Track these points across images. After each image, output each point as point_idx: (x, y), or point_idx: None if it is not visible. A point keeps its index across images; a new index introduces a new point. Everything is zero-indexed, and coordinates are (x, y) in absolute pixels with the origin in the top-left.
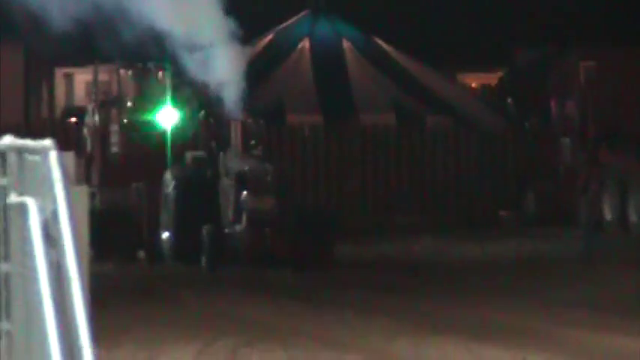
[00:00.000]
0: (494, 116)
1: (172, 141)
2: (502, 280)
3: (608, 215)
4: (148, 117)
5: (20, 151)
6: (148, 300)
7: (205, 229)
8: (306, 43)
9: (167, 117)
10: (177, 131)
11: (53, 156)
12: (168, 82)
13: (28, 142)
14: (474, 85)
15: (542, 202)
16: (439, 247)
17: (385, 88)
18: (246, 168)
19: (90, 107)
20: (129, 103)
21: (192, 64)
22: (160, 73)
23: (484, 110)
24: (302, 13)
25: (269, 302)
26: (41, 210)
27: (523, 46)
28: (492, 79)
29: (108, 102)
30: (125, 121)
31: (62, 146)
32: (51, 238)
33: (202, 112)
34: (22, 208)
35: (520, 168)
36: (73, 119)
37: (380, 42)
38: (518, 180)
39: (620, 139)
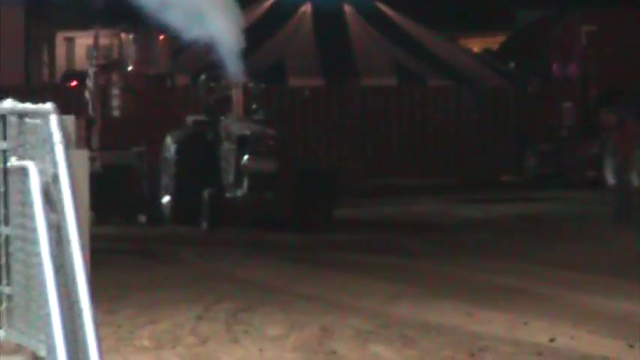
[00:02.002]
0: (496, 79)
1: (173, 104)
2: (503, 242)
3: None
4: (149, 80)
5: (21, 115)
6: (148, 263)
7: (206, 193)
8: (307, 7)
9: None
10: (179, 95)
11: (54, 119)
12: (169, 46)
13: (29, 106)
14: (475, 48)
15: (544, 165)
16: (440, 209)
17: (386, 50)
18: (248, 132)
19: (91, 71)
20: (130, 67)
21: (192, 29)
22: (162, 37)
23: (486, 73)
24: None
25: (269, 265)
26: (42, 173)
27: (524, 8)
28: (494, 42)
29: (109, 65)
30: (126, 84)
31: (63, 110)
32: (51, 201)
33: (203, 76)
34: (23, 172)
35: (522, 130)
36: (74, 83)
37: (381, 5)
38: (520, 142)
39: (623, 101)
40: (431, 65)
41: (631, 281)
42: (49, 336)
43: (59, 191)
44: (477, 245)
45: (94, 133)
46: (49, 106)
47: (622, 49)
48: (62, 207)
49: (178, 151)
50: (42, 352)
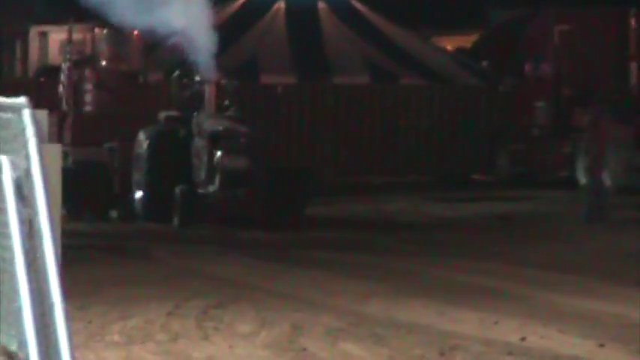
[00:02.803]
0: (468, 77)
1: (146, 100)
2: (475, 241)
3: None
4: (122, 76)
5: None
6: (119, 259)
7: (178, 189)
8: (281, 4)
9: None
10: (151, 90)
11: (27, 114)
12: (142, 42)
13: (2, 100)
14: (449, 47)
15: (515, 164)
16: (412, 208)
17: (360, 48)
18: (220, 128)
19: (64, 66)
20: (103, 62)
21: (164, 24)
22: (134, 33)
23: (459, 71)
24: None
25: (241, 262)
26: (14, 167)
27: (498, 7)
28: (467, 41)
29: (82, 61)
30: (98, 80)
31: (36, 104)
32: (24, 196)
33: (176, 72)
34: None
35: (494, 130)
36: (47, 77)
37: (355, 3)
38: (492, 142)
39: (595, 101)
40: (404, 64)
41: (602, 281)
42: (20, 331)
43: (32, 186)
44: (448, 244)
45: (67, 128)
46: (22, 100)
47: (595, 49)
48: (34, 201)
49: (150, 147)
50: (13, 347)
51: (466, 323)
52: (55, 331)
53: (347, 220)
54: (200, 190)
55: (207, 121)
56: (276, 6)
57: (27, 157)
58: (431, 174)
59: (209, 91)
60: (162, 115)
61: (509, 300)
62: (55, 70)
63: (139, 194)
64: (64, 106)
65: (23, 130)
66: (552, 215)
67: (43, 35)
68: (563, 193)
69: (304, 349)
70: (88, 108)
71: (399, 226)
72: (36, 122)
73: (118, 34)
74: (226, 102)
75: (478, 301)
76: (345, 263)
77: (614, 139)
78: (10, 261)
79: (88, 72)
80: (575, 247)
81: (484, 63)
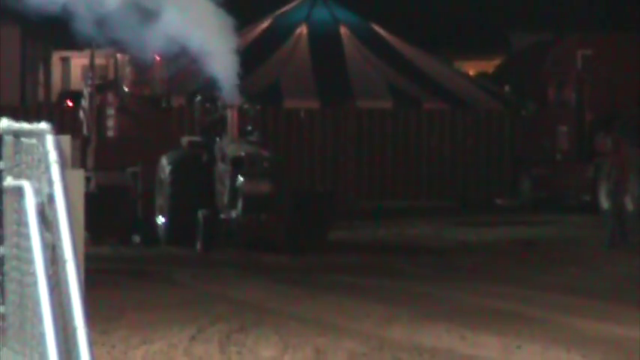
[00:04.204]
0: (491, 102)
1: (168, 125)
2: (497, 265)
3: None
4: (145, 101)
5: (17, 134)
6: (142, 283)
7: (201, 214)
8: (303, 29)
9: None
10: (174, 115)
11: (50, 139)
12: (165, 66)
13: (25, 125)
14: (471, 71)
15: (538, 189)
16: (434, 232)
17: (382, 73)
18: (243, 153)
19: (86, 91)
20: (125, 88)
21: (187, 49)
22: (157, 58)
23: (481, 96)
24: None
25: (264, 286)
26: (37, 193)
27: (520, 32)
28: (489, 66)
29: (104, 86)
30: (121, 105)
31: (58, 129)
32: (47, 221)
33: (199, 97)
34: (18, 191)
35: (517, 154)
36: (70, 103)
37: (377, 28)
38: (515, 166)
39: (617, 126)
40: (426, 88)
41: (624, 306)
42: (43, 356)
43: (54, 211)
44: (471, 268)
45: (90, 153)
46: (45, 125)
47: (617, 74)
48: (57, 227)
49: (173, 172)
50: None
51: (489, 348)
52: (78, 356)
53: (369, 244)
54: (222, 215)
55: (230, 146)
56: (298, 30)
57: (50, 183)
58: (453, 198)
59: (231, 116)
60: (184, 140)
61: (532, 324)
62: (78, 95)
63: (161, 219)
64: (87, 131)
65: (46, 155)
66: (575, 240)
67: (65, 60)
68: (585, 217)
69: None
70: (110, 133)
71: (421, 250)
72: (59, 147)
73: (141, 59)
74: (249, 127)
75: (500, 325)
76: (368, 287)
77: (636, 164)
78: (34, 286)
79: (110, 97)
80: (598, 272)
81: (506, 88)
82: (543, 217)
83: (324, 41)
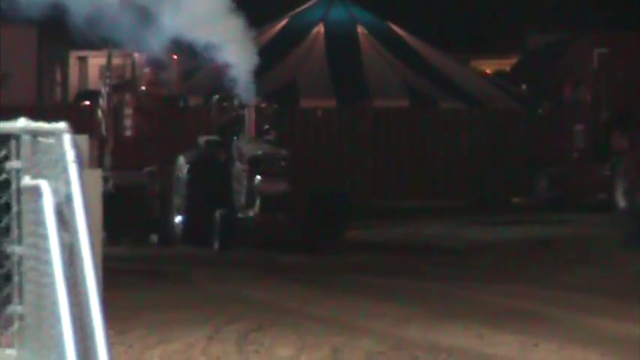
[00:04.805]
0: (507, 101)
1: (185, 124)
2: (513, 264)
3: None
4: (162, 101)
5: (34, 134)
6: (159, 283)
7: (218, 213)
8: (320, 28)
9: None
10: (191, 115)
11: (67, 139)
12: (182, 66)
13: (42, 125)
14: (487, 71)
15: (554, 187)
16: (450, 231)
17: (399, 72)
18: (260, 152)
19: (103, 90)
20: (142, 87)
21: (204, 49)
22: (174, 58)
23: (497, 95)
24: None
25: (281, 286)
26: (55, 193)
27: (536, 32)
28: (505, 65)
29: (121, 85)
30: (138, 104)
31: (76, 129)
32: (64, 221)
33: (216, 97)
34: (36, 191)
35: (533, 153)
36: (87, 102)
37: (394, 27)
38: (531, 165)
39: (633, 124)
40: (443, 87)
41: None
42: (61, 356)
43: (72, 211)
44: (486, 268)
45: (107, 153)
46: (62, 125)
47: (634, 72)
48: (75, 227)
49: (190, 172)
50: None
51: (505, 346)
52: (96, 357)
53: (386, 243)
54: (240, 214)
55: (247, 146)
56: (315, 30)
57: (67, 183)
58: (469, 197)
59: (249, 115)
60: (201, 139)
61: (549, 323)
62: (95, 95)
63: (179, 218)
64: (104, 131)
65: (63, 155)
66: (591, 239)
67: (83, 60)
68: (601, 216)
69: None
70: (127, 132)
71: (437, 250)
72: (76, 147)
73: (158, 58)
74: (266, 126)
75: (517, 324)
76: (385, 287)
77: None
78: (51, 287)
79: (127, 96)
80: (614, 271)
81: (523, 87)
82: (559, 217)
83: (340, 40)
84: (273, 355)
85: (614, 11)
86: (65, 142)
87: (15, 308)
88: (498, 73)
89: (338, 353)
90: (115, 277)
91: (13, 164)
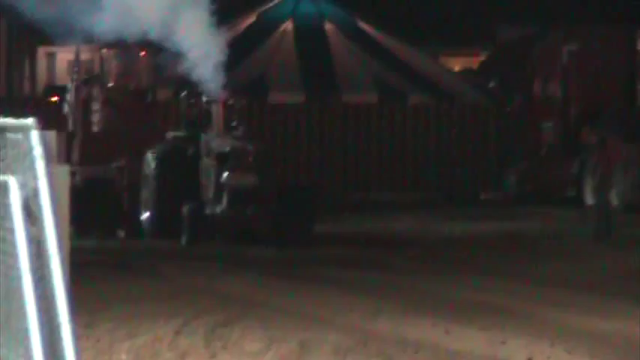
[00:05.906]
0: (476, 96)
1: (154, 119)
2: (483, 259)
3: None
4: (130, 95)
5: (1, 129)
6: (127, 276)
7: (186, 207)
8: (289, 23)
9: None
10: (159, 109)
11: (35, 134)
12: (149, 61)
13: (10, 120)
14: (457, 66)
15: (523, 183)
16: (420, 225)
17: (367, 67)
18: (228, 148)
19: (71, 85)
20: (110, 82)
21: (173, 44)
22: (142, 53)
23: (467, 90)
24: None
25: (249, 279)
26: (22, 187)
27: (505, 26)
28: (475, 61)
29: (89, 80)
30: (106, 99)
31: (44, 124)
32: (32, 216)
33: (184, 92)
34: (3, 186)
35: (502, 148)
36: (55, 97)
37: (363, 23)
38: (500, 160)
39: (603, 120)
40: (412, 82)
41: (609, 300)
42: (28, 350)
43: (40, 206)
44: (456, 262)
45: (75, 147)
46: (30, 121)
47: (603, 68)
48: (42, 221)
49: (159, 166)
50: None
51: (473, 342)
52: (62, 350)
53: (355, 237)
54: (208, 209)
55: (215, 140)
56: (284, 25)
57: (35, 178)
58: (439, 192)
59: (217, 110)
60: (170, 134)
61: (517, 318)
62: (63, 90)
63: (147, 212)
64: (72, 125)
65: (31, 150)
66: (560, 234)
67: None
68: (570, 211)
69: None
70: (95, 127)
71: (407, 243)
72: (44, 143)
73: (126, 53)
74: (234, 121)
75: (486, 319)
76: (353, 281)
77: (621, 159)
78: (18, 280)
79: (95, 91)
80: (583, 266)
81: (492, 82)
82: (528, 211)
83: (309, 36)
84: (240, 350)
85: (584, 6)
86: (33, 137)
87: None
88: (468, 69)
89: (306, 348)
90: (82, 269)
91: None
